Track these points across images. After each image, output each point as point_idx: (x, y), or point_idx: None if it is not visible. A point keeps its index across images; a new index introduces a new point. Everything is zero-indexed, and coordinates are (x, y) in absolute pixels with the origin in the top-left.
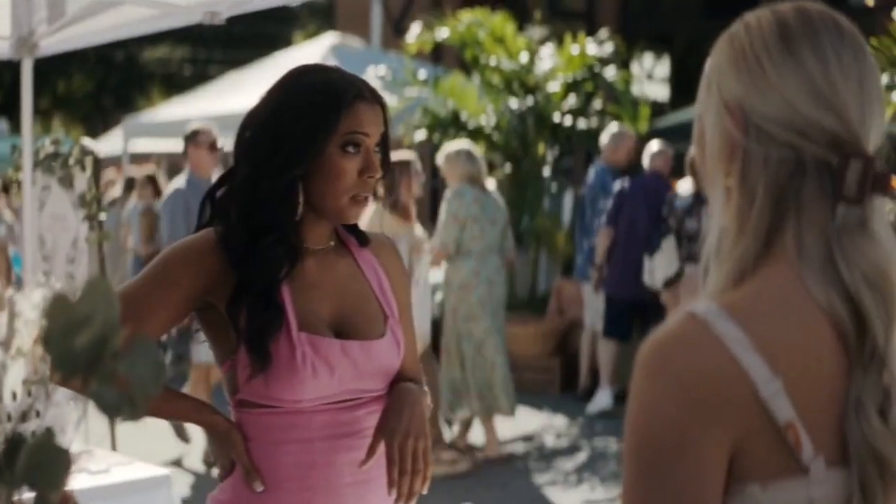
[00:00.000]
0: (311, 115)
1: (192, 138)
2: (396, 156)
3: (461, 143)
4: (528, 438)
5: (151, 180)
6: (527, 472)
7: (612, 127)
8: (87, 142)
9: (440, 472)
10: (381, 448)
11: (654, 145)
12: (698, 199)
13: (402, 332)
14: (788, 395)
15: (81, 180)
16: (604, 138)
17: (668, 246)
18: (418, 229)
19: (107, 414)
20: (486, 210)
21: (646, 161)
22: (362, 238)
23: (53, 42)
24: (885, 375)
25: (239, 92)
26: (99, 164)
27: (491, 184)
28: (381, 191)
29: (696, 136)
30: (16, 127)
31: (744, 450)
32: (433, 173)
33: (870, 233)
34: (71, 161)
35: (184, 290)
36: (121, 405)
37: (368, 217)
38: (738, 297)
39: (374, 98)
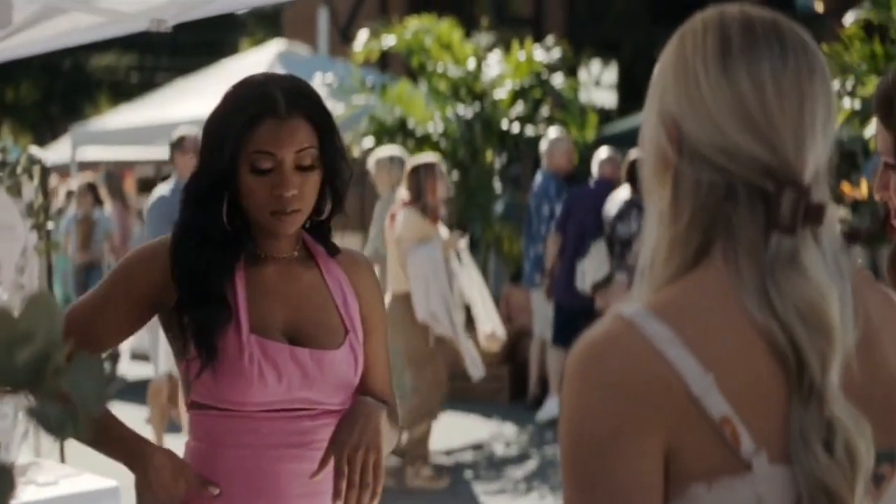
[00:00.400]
0: (223, 133)
1: (178, 145)
2: (421, 159)
3: (391, 149)
4: (477, 447)
5: (91, 188)
6: (476, 480)
7: (551, 133)
8: (34, 150)
9: (418, 488)
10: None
11: (603, 152)
12: (631, 204)
13: (365, 348)
14: (721, 390)
15: (29, 189)
16: (543, 145)
17: (598, 250)
18: (444, 230)
19: (50, 433)
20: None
21: (594, 168)
22: (332, 249)
23: (1, 50)
24: (825, 409)
25: (186, 99)
26: (47, 173)
27: (404, 194)
28: (405, 194)
29: (640, 140)
30: None
31: (681, 449)
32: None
33: (801, 268)
34: (18, 170)
35: (135, 297)
36: (64, 423)
37: (401, 220)
38: (666, 298)
39: (295, 111)
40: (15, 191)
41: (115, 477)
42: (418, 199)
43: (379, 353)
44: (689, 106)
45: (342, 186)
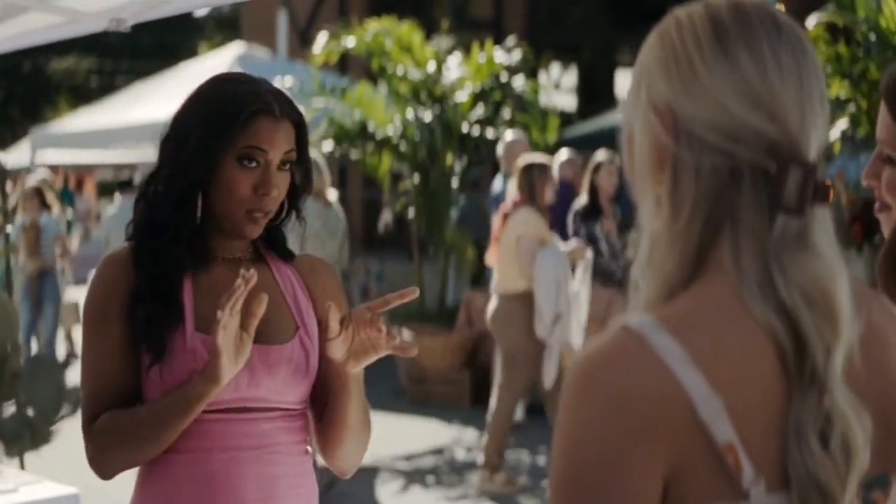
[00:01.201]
0: (210, 124)
1: None
2: (534, 158)
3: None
4: (438, 451)
5: (38, 193)
6: (438, 485)
7: (507, 136)
8: None
9: (491, 492)
10: (291, 464)
11: (563, 154)
12: (588, 212)
13: (315, 343)
14: (729, 414)
15: None
16: (499, 148)
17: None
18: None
19: (7, 444)
20: (327, 224)
21: (555, 170)
22: (285, 253)
23: None
24: (825, 399)
25: (145, 102)
26: (5, 176)
27: (332, 195)
28: (516, 193)
29: (625, 141)
30: None
31: (681, 473)
32: (340, 184)
33: (810, 246)
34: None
35: (123, 318)
36: (21, 433)
37: (520, 220)
38: (673, 310)
39: (285, 114)
40: None
41: (74, 483)
42: (532, 198)
43: None
44: (686, 90)
45: (303, 193)
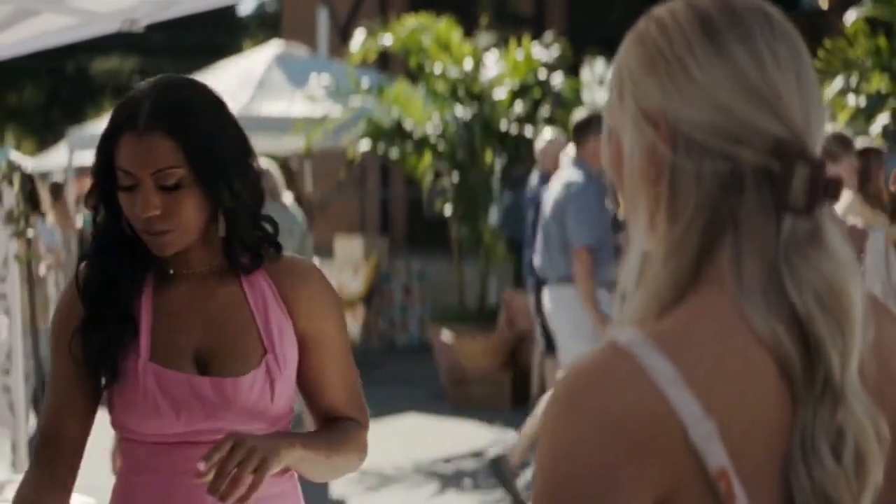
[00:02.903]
0: (98, 144)
1: None
2: (866, 143)
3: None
4: (477, 454)
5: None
6: (475, 489)
7: (545, 134)
8: (14, 156)
9: None
10: (274, 486)
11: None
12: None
13: (310, 366)
14: (722, 437)
15: (9, 195)
16: (537, 147)
17: None
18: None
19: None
20: (283, 224)
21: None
22: (255, 261)
23: None
24: (839, 411)
25: None
26: (27, 179)
27: (288, 198)
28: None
29: (611, 155)
30: None
31: (671, 500)
32: (383, 183)
33: (823, 245)
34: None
35: (74, 342)
36: None
37: (843, 205)
38: (666, 327)
39: (156, 128)
40: None
41: (92, 494)
42: (865, 183)
43: (328, 369)
44: (681, 93)
45: (235, 206)
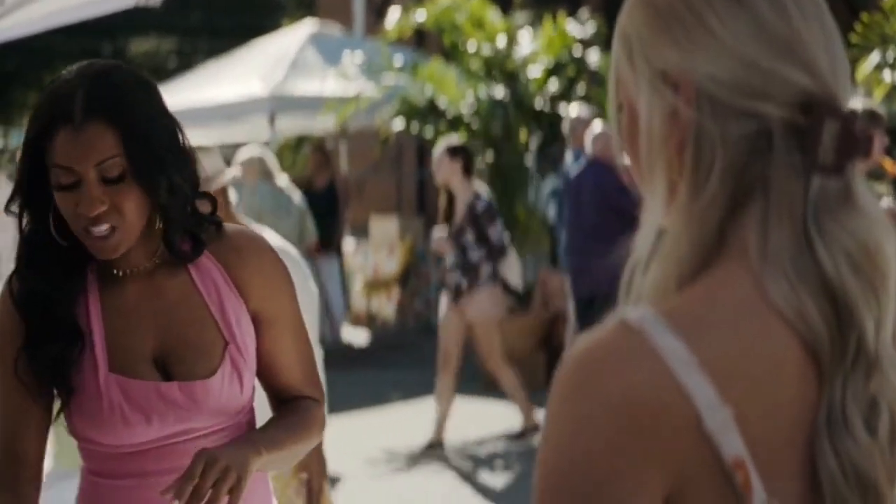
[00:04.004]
0: (24, 143)
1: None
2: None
3: (252, 150)
4: (511, 436)
5: None
6: (506, 470)
7: (571, 111)
8: None
9: None
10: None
11: (597, 126)
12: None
13: (264, 345)
14: (739, 425)
15: None
16: (565, 125)
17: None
18: None
19: None
20: (279, 204)
21: (587, 145)
22: (196, 248)
23: None
24: (873, 380)
25: (214, 83)
26: None
27: (282, 180)
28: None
29: (624, 125)
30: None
31: (683, 491)
32: (419, 163)
33: (855, 204)
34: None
35: (19, 364)
36: None
37: None
38: (680, 304)
39: (94, 118)
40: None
41: None
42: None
43: (283, 347)
44: (701, 50)
45: (173, 199)
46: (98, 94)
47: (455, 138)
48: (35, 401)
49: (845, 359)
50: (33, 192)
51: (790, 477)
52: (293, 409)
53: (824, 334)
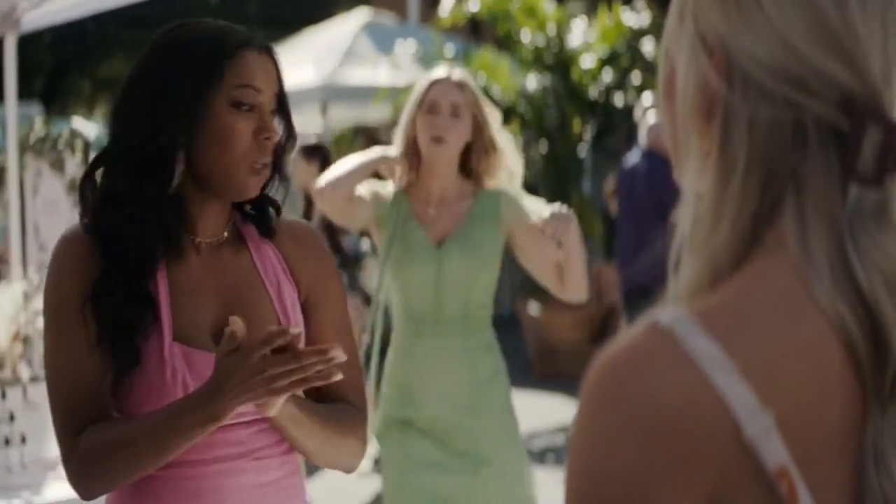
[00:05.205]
0: (189, 67)
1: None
2: None
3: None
4: (564, 430)
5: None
6: (561, 464)
7: (649, 119)
8: (77, 124)
9: None
10: (276, 468)
11: (651, 117)
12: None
13: (310, 328)
14: (782, 432)
15: (72, 164)
16: (641, 129)
17: None
18: None
19: None
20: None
21: (641, 136)
22: (264, 228)
23: (36, 17)
24: None
25: None
26: (89, 148)
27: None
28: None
29: (664, 80)
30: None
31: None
32: None
33: (891, 222)
34: (61, 144)
35: (83, 317)
36: None
37: None
38: (715, 304)
39: (266, 51)
40: (58, 166)
41: None
42: None
43: (326, 333)
44: (745, 22)
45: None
46: (262, 40)
47: (313, 138)
48: (98, 361)
49: (883, 384)
50: (176, 133)
51: (840, 487)
52: (331, 406)
53: (863, 347)
